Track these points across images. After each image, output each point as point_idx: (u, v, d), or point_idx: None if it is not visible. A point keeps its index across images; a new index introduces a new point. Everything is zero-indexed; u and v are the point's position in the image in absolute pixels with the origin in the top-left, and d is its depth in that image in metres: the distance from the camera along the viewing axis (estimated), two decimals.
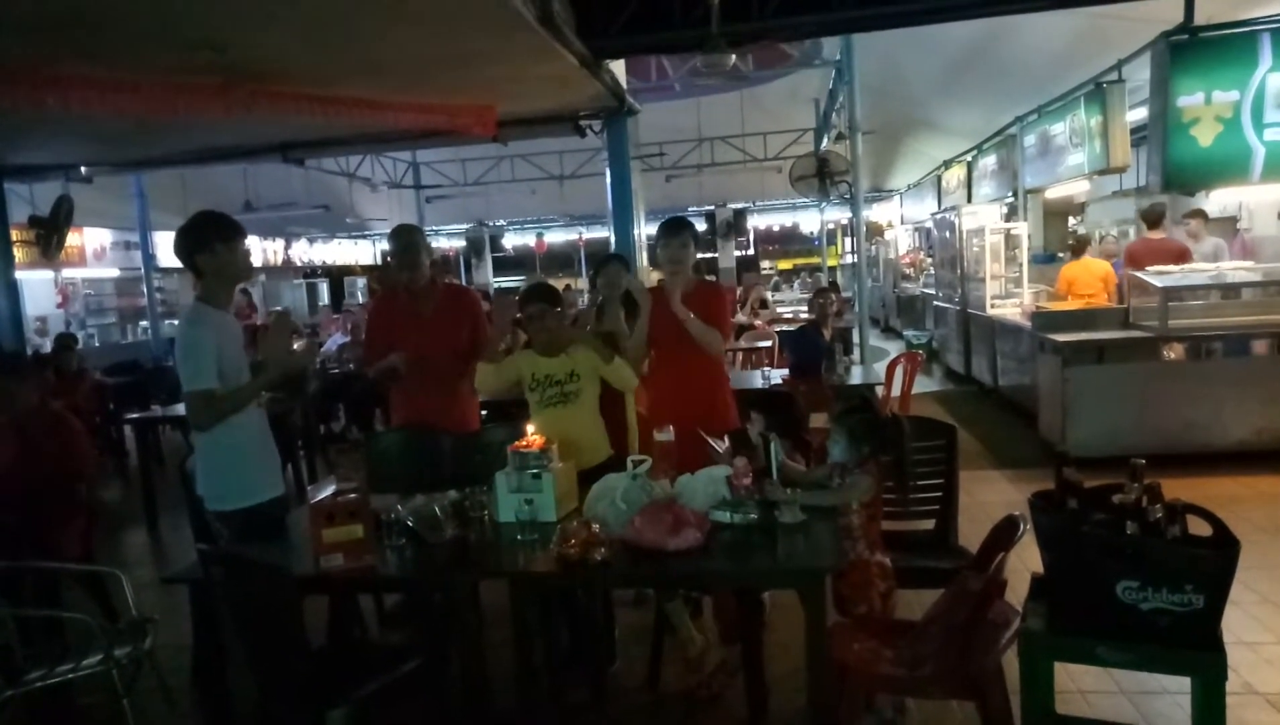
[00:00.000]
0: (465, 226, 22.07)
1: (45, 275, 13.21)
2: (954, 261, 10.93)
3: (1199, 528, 2.40)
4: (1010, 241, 9.84)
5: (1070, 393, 6.41)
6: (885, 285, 18.39)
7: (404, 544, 2.91)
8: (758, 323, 10.81)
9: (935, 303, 12.32)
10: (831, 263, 21.79)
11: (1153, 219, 8.02)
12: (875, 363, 8.84)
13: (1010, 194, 10.80)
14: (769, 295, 14.59)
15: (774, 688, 3.23)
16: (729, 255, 21.23)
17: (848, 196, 10.85)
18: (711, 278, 7.39)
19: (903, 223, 19.99)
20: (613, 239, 7.80)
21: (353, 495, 2.86)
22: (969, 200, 12.56)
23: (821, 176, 11.18)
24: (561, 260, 24.84)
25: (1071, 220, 12.69)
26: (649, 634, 3.61)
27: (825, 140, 13.63)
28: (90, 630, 3.22)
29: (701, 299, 3.89)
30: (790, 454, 3.34)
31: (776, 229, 24.75)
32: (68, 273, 14.01)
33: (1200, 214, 8.22)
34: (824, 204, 15.70)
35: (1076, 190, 10.60)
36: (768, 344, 9.27)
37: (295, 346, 3.91)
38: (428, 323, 4.22)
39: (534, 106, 7.30)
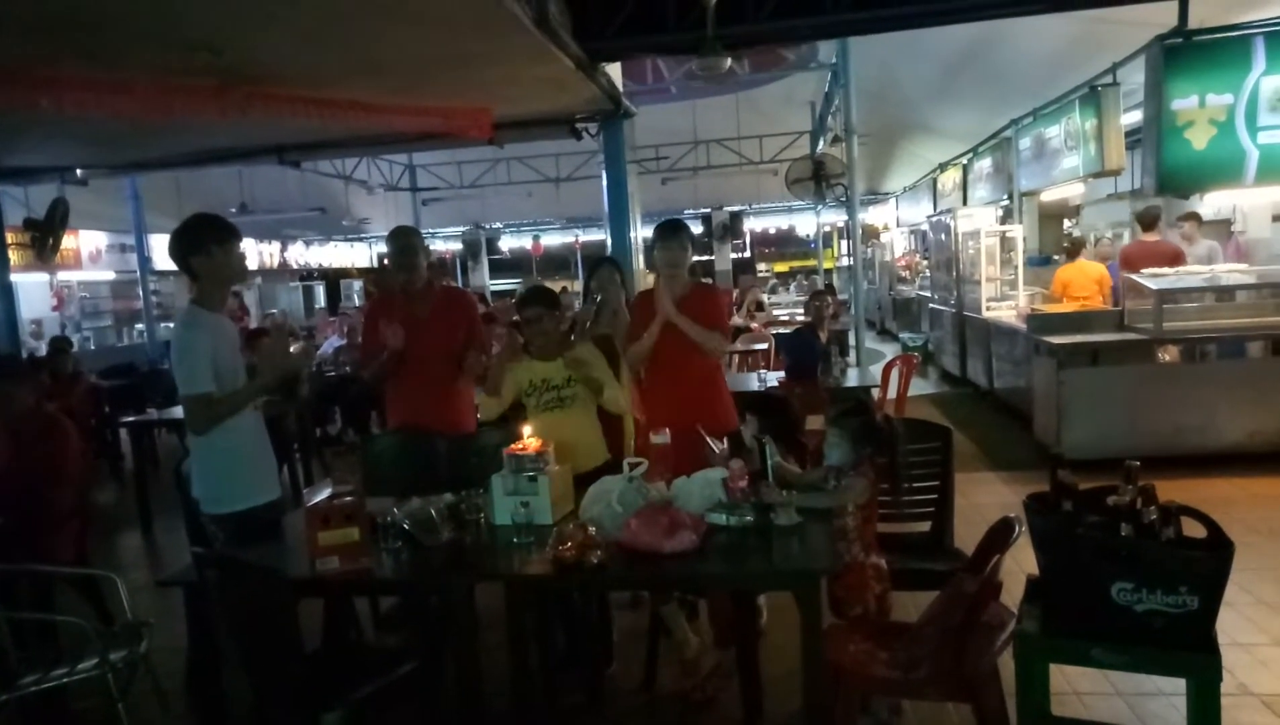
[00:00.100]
0: (461, 229, 22.05)
1: (40, 278, 13.17)
2: (949, 264, 10.95)
3: (1193, 530, 2.40)
4: (1005, 244, 9.86)
5: (1065, 395, 6.42)
6: (881, 288, 18.42)
7: (400, 547, 2.91)
8: (754, 325, 10.82)
9: (931, 305, 12.35)
10: (828, 265, 21.80)
11: (1147, 222, 8.05)
12: (871, 365, 8.86)
13: (1005, 197, 10.83)
14: (765, 297, 14.61)
15: (769, 689, 3.23)
16: (725, 258, 21.24)
17: (843, 199, 10.88)
18: (708, 280, 7.38)
19: (898, 225, 20.02)
20: (609, 242, 7.80)
21: (348, 498, 2.87)
22: (964, 203, 12.58)
23: (817, 179, 11.20)
24: (558, 262, 24.84)
25: (1066, 223, 12.72)
26: (645, 636, 3.61)
27: (821, 143, 13.64)
28: (85, 634, 3.21)
29: (698, 302, 3.89)
30: (784, 457, 3.35)
31: (773, 231, 24.76)
32: (63, 275, 13.97)
33: (1194, 217, 8.25)
34: (820, 206, 15.69)
35: (1071, 193, 10.63)
36: (764, 346, 9.28)
37: (291, 349, 3.90)
38: (424, 325, 4.21)
39: (530, 109, 7.30)
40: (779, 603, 3.73)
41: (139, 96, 5.28)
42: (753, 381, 6.53)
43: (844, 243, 22.39)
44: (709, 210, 20.63)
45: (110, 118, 5.60)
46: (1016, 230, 9.82)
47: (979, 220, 10.55)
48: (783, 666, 3.33)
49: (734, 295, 12.78)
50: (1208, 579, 2.32)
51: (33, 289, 12.96)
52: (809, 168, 11.39)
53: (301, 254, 21.92)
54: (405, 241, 4.29)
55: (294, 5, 4.38)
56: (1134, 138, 7.94)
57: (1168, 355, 6.69)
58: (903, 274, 16.86)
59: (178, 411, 3.66)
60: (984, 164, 12.05)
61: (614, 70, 7.12)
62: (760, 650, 3.31)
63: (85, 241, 14.24)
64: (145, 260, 13.93)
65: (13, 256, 10.34)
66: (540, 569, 2.72)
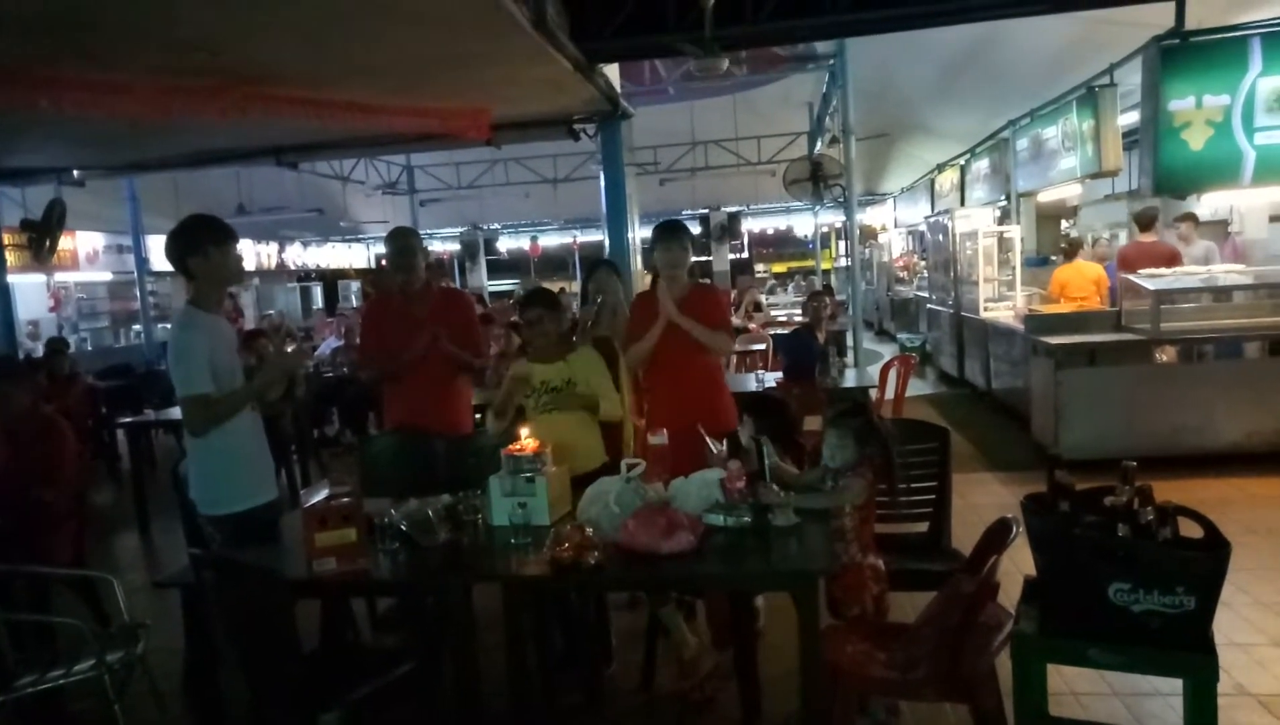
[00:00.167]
0: (459, 230, 22.04)
1: (37, 279, 13.15)
2: (947, 265, 10.96)
3: (1190, 530, 2.41)
4: (1003, 245, 9.88)
5: (1063, 395, 6.43)
6: (879, 288, 18.43)
7: (397, 548, 2.91)
8: (752, 326, 10.82)
9: (928, 306, 12.36)
10: (825, 266, 21.82)
11: (1144, 222, 8.06)
12: (869, 365, 8.87)
13: (1003, 197, 10.84)
14: (763, 298, 14.62)
15: (767, 690, 3.23)
16: (723, 258, 21.25)
17: (841, 200, 10.88)
18: (705, 281, 7.34)
19: (896, 226, 20.03)
20: (607, 242, 7.80)
21: (346, 499, 2.86)
22: (962, 204, 12.60)
23: (815, 180, 11.21)
24: (556, 263, 24.83)
25: (1064, 223, 12.73)
26: (643, 637, 3.61)
27: (819, 144, 13.65)
28: (82, 635, 3.21)
29: (699, 302, 3.89)
30: (782, 458, 3.34)
31: (770, 232, 24.77)
32: (60, 276, 13.95)
33: (1190, 217, 8.26)
34: (818, 207, 15.71)
35: (1069, 194, 10.64)
36: (762, 347, 9.28)
37: (288, 348, 3.91)
38: (422, 325, 4.21)
39: (528, 110, 7.30)
40: (777, 603, 3.73)
41: (137, 97, 5.27)
42: (750, 382, 6.53)
43: (842, 243, 22.40)
44: (707, 211, 20.63)
45: (108, 118, 5.59)
46: (1014, 231, 9.84)
47: (976, 221, 10.57)
48: (781, 667, 3.33)
49: (732, 296, 12.78)
50: (1204, 579, 2.32)
51: (30, 290, 12.93)
52: (807, 168, 11.40)
53: (299, 255, 21.89)
54: (403, 242, 4.29)
55: (292, 5, 4.37)
56: (1131, 139, 7.95)
57: (1165, 356, 6.70)
58: (900, 275, 16.88)
59: (175, 412, 3.65)
60: (981, 165, 12.06)
61: (612, 71, 7.13)
62: (758, 651, 3.31)
63: (82, 242, 14.22)
64: (142, 261, 13.90)
65: (9, 257, 10.33)
66: (538, 570, 2.72)
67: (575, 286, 18.69)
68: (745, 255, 24.59)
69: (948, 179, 14.07)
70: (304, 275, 22.46)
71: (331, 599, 3.52)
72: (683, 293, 3.88)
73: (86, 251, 14.43)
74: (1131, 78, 6.95)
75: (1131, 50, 6.70)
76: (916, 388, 9.93)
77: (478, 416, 4.85)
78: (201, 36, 4.67)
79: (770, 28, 6.13)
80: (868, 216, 21.61)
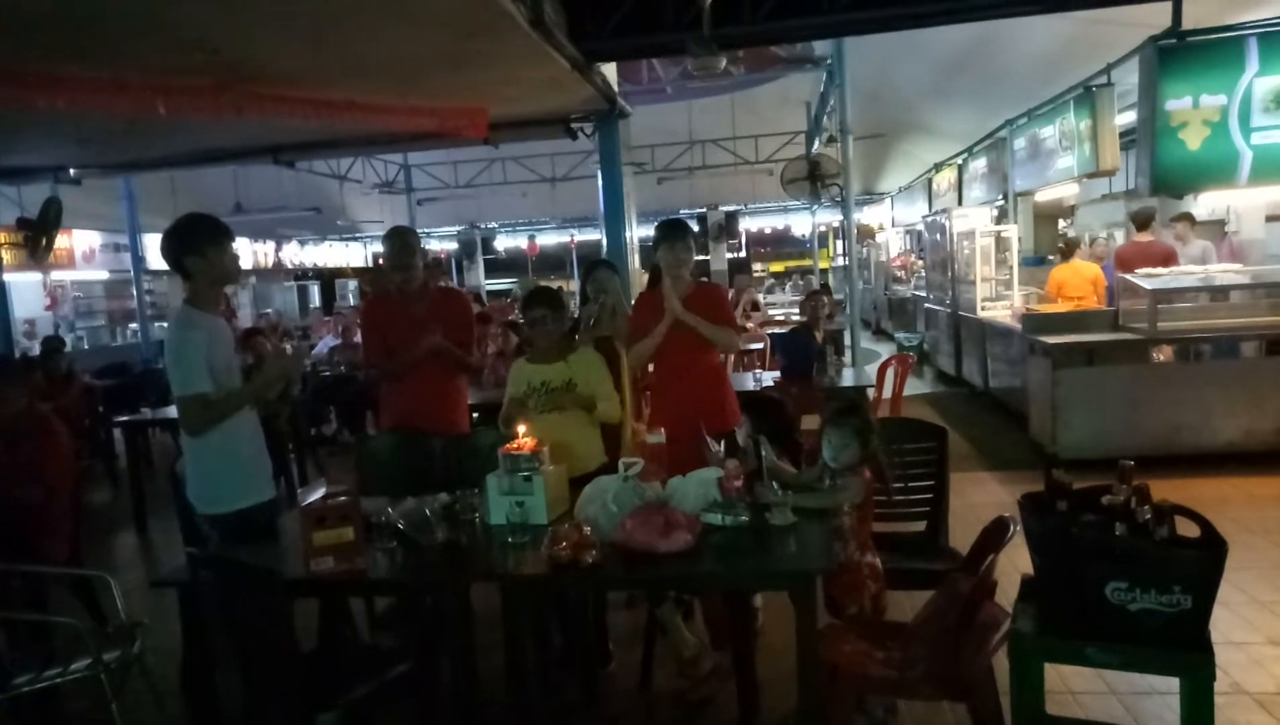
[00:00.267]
0: (457, 229, 22.04)
1: (34, 277, 13.12)
2: (945, 264, 10.96)
3: (1187, 529, 2.41)
4: (1000, 244, 9.88)
5: (1060, 395, 6.44)
6: (876, 288, 18.44)
7: (394, 547, 2.91)
8: (750, 325, 10.82)
9: (926, 305, 12.36)
10: (823, 265, 21.83)
11: (1141, 222, 8.07)
12: (866, 365, 8.86)
13: (1000, 197, 10.85)
14: (761, 297, 14.61)
15: (765, 689, 3.23)
16: (720, 258, 21.26)
17: (839, 199, 10.88)
18: (704, 280, 7.32)
19: (894, 225, 20.05)
20: (604, 241, 7.80)
21: (343, 498, 2.86)
22: (959, 203, 12.61)
23: (813, 179, 11.20)
24: (554, 262, 24.82)
25: (1061, 223, 12.75)
26: (642, 636, 3.61)
27: (816, 143, 13.65)
28: (78, 634, 3.20)
29: (703, 300, 3.88)
30: (779, 457, 3.35)
31: (768, 231, 24.78)
32: (56, 275, 13.92)
33: (1186, 217, 8.27)
34: (815, 207, 15.71)
35: (1066, 193, 10.65)
36: (759, 346, 9.28)
37: (286, 348, 3.90)
38: (420, 324, 4.20)
39: (526, 109, 7.30)
40: (775, 602, 3.73)
41: (134, 95, 5.27)
42: (748, 381, 6.53)
43: (839, 243, 22.44)
44: (704, 210, 20.64)
45: (105, 117, 5.59)
46: (1011, 230, 9.85)
47: (974, 220, 10.57)
48: (779, 666, 3.33)
49: (730, 295, 12.78)
50: (1201, 578, 2.33)
51: (26, 289, 12.91)
52: (804, 168, 11.39)
53: (296, 254, 21.86)
54: (401, 241, 4.28)
55: (291, 5, 4.37)
56: (1128, 138, 7.96)
57: (1162, 355, 6.71)
58: (898, 274, 16.88)
59: (172, 411, 3.65)
60: (979, 164, 12.07)
61: (609, 70, 7.12)
62: (756, 650, 3.31)
63: (79, 241, 14.19)
64: (139, 260, 13.87)
65: (6, 256, 10.33)
66: (535, 569, 2.72)
67: (573, 286, 18.71)
68: (743, 254, 24.58)
69: (945, 178, 14.09)
70: (301, 274, 22.42)
71: (329, 598, 3.52)
72: (686, 291, 3.88)
73: (83, 250, 14.40)
74: (1129, 77, 6.96)
75: (1128, 50, 6.71)
76: (914, 387, 9.94)
77: (474, 416, 4.84)
78: (200, 35, 4.67)
79: (768, 27, 6.14)
80: (865, 216, 21.63)
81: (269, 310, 18.42)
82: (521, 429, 3.23)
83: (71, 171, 8.81)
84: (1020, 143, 9.73)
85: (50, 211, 9.71)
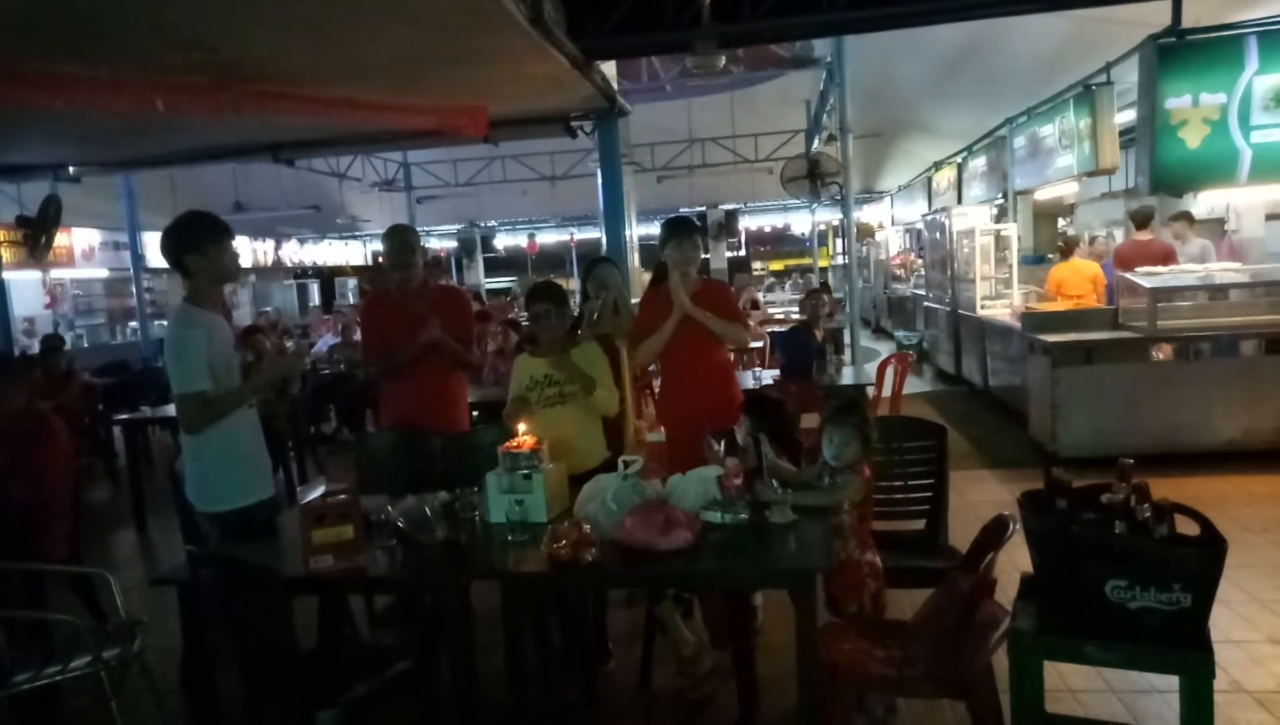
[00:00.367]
0: (456, 227, 22.04)
1: (33, 275, 13.12)
2: (944, 263, 10.96)
3: (1187, 527, 2.41)
4: (1000, 243, 9.88)
5: (1060, 393, 6.44)
6: (876, 286, 18.44)
7: (394, 545, 2.91)
8: (749, 323, 10.81)
9: (926, 304, 12.36)
10: (823, 264, 21.85)
11: (1140, 220, 8.07)
12: (866, 363, 8.86)
13: (1000, 195, 10.85)
14: (760, 296, 14.61)
15: (765, 687, 3.23)
16: (720, 256, 21.28)
17: (838, 198, 10.88)
18: (708, 277, 7.29)
19: (893, 224, 20.05)
20: (604, 240, 7.79)
21: (343, 496, 2.86)
22: (959, 201, 12.60)
23: (813, 178, 11.21)
24: (553, 261, 24.81)
25: (1061, 222, 12.75)
26: (641, 634, 3.61)
27: (816, 142, 13.65)
28: (77, 632, 3.20)
29: (710, 296, 3.88)
30: (778, 456, 3.35)
31: (768, 230, 24.77)
32: (56, 273, 13.93)
33: (1185, 216, 8.27)
34: (815, 205, 15.71)
35: (1066, 192, 10.65)
36: (759, 344, 9.29)
37: (287, 346, 3.90)
38: (419, 322, 4.20)
39: (525, 107, 7.29)
40: (775, 601, 3.74)
41: (133, 93, 5.26)
42: (748, 380, 6.52)
43: (839, 241, 22.44)
44: (704, 209, 20.65)
45: (104, 115, 5.58)
46: (1011, 229, 9.84)
47: (974, 219, 10.56)
48: (779, 665, 3.33)
49: None
50: (1201, 576, 2.33)
51: (25, 287, 12.91)
52: (804, 166, 11.40)
53: (296, 252, 21.87)
54: (401, 239, 4.28)
55: (290, 3, 4.37)
56: (1128, 137, 7.96)
57: (1162, 353, 6.71)
58: (898, 272, 16.89)
59: (171, 409, 3.64)
60: (979, 163, 12.07)
61: (609, 68, 7.12)
62: (756, 648, 3.31)
63: (78, 239, 14.19)
64: (139, 258, 13.87)
65: (5, 254, 10.33)
66: (535, 567, 2.72)
67: (573, 283, 18.70)
68: (743, 253, 24.60)
69: (945, 177, 14.08)
70: (301, 272, 22.43)
71: (329, 596, 3.52)
72: (693, 288, 3.87)
73: (82, 248, 14.40)
74: (1128, 76, 6.96)
75: (1128, 49, 6.71)
76: (914, 385, 9.94)
77: (474, 414, 4.84)
78: (199, 34, 4.66)
79: (768, 25, 6.13)
80: (865, 214, 21.62)
81: (268, 308, 18.41)
82: (522, 428, 3.23)
83: (71, 169, 8.79)
84: (1020, 141, 9.73)
85: (50, 209, 9.71)
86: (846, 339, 9.82)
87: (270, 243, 20.24)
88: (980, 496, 5.72)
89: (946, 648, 2.56)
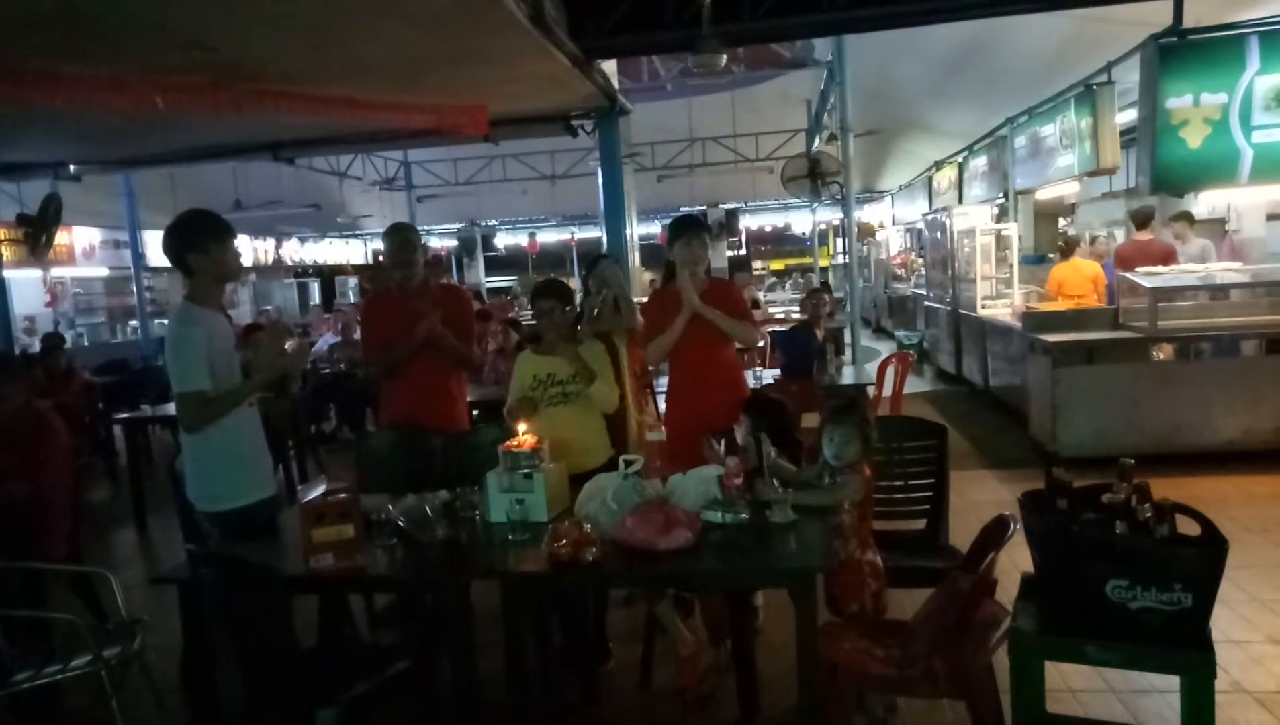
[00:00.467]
0: (457, 226, 22.02)
1: (33, 274, 13.12)
2: (945, 262, 10.96)
3: (1188, 527, 2.41)
4: (1001, 242, 9.88)
5: (1060, 393, 6.43)
6: (877, 286, 18.44)
7: (394, 544, 2.90)
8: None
9: (926, 303, 12.36)
10: (823, 263, 21.84)
11: (1140, 220, 8.07)
12: (867, 363, 8.87)
13: (1001, 195, 10.84)
14: (761, 295, 14.60)
15: (765, 687, 3.23)
16: (721, 255, 21.22)
17: (839, 197, 10.88)
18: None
19: (894, 223, 20.05)
20: (604, 239, 7.79)
21: (343, 495, 2.85)
22: (960, 201, 12.60)
23: (813, 177, 11.20)
24: (554, 260, 24.81)
25: (1062, 221, 12.75)
26: (642, 633, 3.61)
27: (817, 141, 13.65)
28: (77, 631, 3.20)
29: (719, 295, 3.87)
30: (778, 456, 3.34)
31: (768, 229, 24.74)
32: (56, 271, 13.92)
33: (1185, 216, 8.27)
34: (816, 205, 15.71)
35: (1066, 191, 10.64)
36: (760, 344, 9.28)
37: (288, 345, 3.90)
38: (420, 321, 4.19)
39: (526, 106, 7.29)
40: (775, 600, 3.74)
41: (133, 92, 5.26)
42: (748, 379, 6.52)
43: (840, 241, 22.43)
44: (704, 208, 20.63)
45: (104, 114, 5.58)
46: (1012, 228, 9.84)
47: (974, 218, 10.57)
48: (779, 664, 3.33)
49: None
50: (1202, 576, 2.32)
51: (26, 285, 12.91)
52: (805, 166, 11.39)
53: (296, 251, 21.85)
54: (402, 237, 4.28)
55: (289, 3, 4.37)
56: (1129, 136, 7.95)
57: (1162, 353, 6.71)
58: (898, 272, 16.88)
59: (171, 408, 3.64)
60: (979, 162, 12.07)
61: (609, 67, 7.12)
62: (756, 648, 3.31)
63: (79, 237, 14.18)
64: (139, 256, 13.87)
65: (5, 252, 10.34)
66: (536, 566, 2.72)
67: (573, 283, 18.70)
68: (743, 252, 24.57)
69: (946, 176, 14.08)
70: (301, 271, 22.41)
71: (329, 595, 3.52)
72: (701, 287, 3.86)
73: (83, 247, 14.39)
74: (1129, 76, 6.95)
75: (1129, 48, 6.70)
76: (914, 385, 9.94)
77: (475, 413, 4.83)
78: (198, 34, 4.66)
79: (768, 25, 6.14)
80: (866, 214, 21.62)
81: (268, 307, 18.41)
82: (522, 427, 3.23)
83: (71, 168, 8.79)
84: (1021, 141, 9.73)
85: (50, 208, 9.72)
86: (847, 338, 9.82)
87: (270, 241, 20.23)
88: (981, 496, 5.71)
89: (947, 647, 2.56)
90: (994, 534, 2.75)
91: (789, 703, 3.11)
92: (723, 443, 3.33)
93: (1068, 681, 3.29)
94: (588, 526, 2.72)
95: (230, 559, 2.82)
